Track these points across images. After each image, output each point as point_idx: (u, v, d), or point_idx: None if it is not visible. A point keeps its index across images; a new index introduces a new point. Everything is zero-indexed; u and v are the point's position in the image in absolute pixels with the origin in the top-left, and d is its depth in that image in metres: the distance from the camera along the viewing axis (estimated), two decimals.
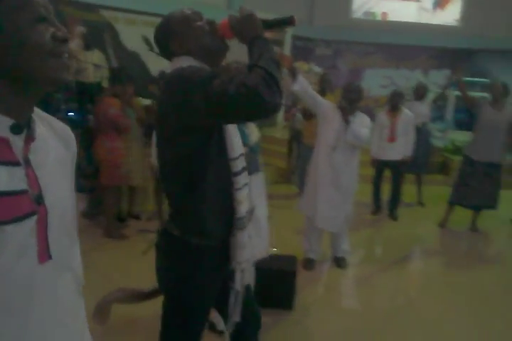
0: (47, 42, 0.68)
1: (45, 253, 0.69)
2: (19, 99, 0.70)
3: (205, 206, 1.32)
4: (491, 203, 4.24)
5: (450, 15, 9.86)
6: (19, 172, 0.67)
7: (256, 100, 1.09)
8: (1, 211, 0.62)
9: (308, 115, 4.29)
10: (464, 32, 9.41)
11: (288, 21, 1.29)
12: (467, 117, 5.37)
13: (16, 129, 0.69)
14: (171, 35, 1.33)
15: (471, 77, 8.52)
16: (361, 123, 3.09)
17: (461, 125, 6.18)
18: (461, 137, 6.07)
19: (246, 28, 1.24)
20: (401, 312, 2.79)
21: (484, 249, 4.20)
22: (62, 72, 0.71)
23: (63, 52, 0.71)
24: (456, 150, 6.16)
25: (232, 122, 1.33)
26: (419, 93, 5.02)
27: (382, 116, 4.52)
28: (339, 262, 3.40)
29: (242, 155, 1.38)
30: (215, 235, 1.36)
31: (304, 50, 9.14)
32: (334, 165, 3.09)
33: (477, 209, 4.36)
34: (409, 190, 5.05)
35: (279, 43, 8.70)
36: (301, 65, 6.00)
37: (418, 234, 4.40)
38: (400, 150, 4.44)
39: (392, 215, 4.67)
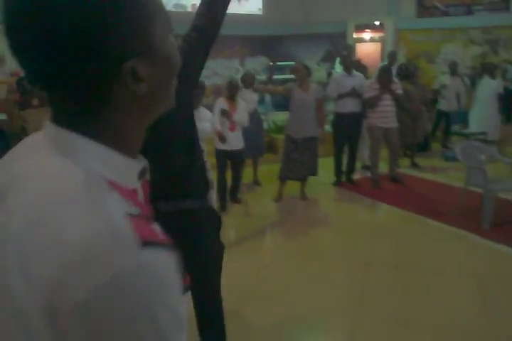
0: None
1: None
2: (143, 134, 0.58)
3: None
4: (313, 171, 4.85)
5: (254, 4, 10.61)
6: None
7: None
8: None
9: None
10: (268, 20, 10.24)
11: None
12: (283, 99, 5.92)
13: (142, 174, 0.57)
14: None
15: (281, 61, 9.41)
16: (204, 118, 3.23)
17: (279, 106, 6.80)
18: (281, 117, 6.70)
19: None
20: (262, 279, 3.05)
21: (313, 214, 4.76)
22: None
23: None
24: (279, 129, 6.76)
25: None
26: (248, 81, 5.31)
27: (222, 104, 4.57)
28: None
29: None
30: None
31: None
32: None
33: (303, 179, 4.93)
34: (246, 171, 5.43)
35: None
36: None
37: (259, 212, 4.76)
38: (241, 138, 4.66)
39: (235, 200, 4.95)
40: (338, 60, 7.13)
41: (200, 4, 1.58)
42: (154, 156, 1.44)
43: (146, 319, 0.44)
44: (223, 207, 4.58)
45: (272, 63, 5.49)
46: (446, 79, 7.09)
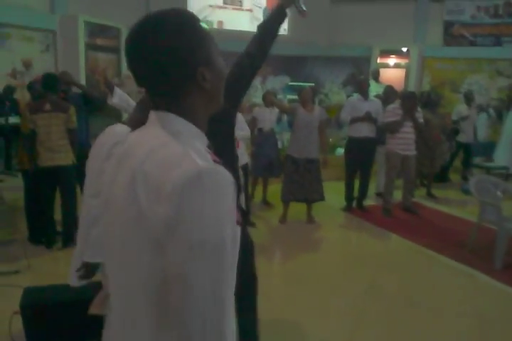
0: None
1: None
2: (207, 118, 0.91)
3: None
4: (318, 196, 4.70)
5: None
6: None
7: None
8: (237, 218, 0.79)
9: None
10: (293, 40, 10.26)
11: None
12: None
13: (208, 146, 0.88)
14: None
15: (304, 81, 9.38)
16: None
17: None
18: None
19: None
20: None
21: (316, 238, 4.58)
22: None
23: None
24: None
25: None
26: (268, 100, 5.27)
27: None
28: None
29: None
30: None
31: None
32: None
33: (307, 202, 4.77)
34: (257, 190, 5.39)
35: (115, 50, 8.43)
36: None
37: (262, 232, 4.62)
38: (244, 153, 4.57)
39: (248, 222, 4.84)
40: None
41: (256, 33, 1.84)
42: None
43: (220, 201, 0.73)
44: None
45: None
46: (464, 109, 6.89)
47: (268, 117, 5.22)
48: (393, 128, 5.02)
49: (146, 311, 0.78)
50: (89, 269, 1.80)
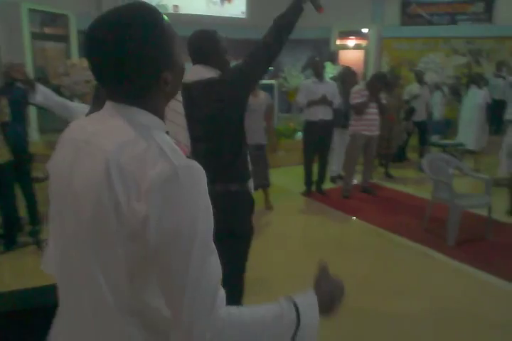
0: None
1: None
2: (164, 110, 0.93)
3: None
4: (267, 182, 4.61)
5: (238, 7, 10.45)
6: None
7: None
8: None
9: None
10: (251, 23, 10.06)
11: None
12: None
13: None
14: (211, 43, 1.99)
15: None
16: None
17: None
18: None
19: None
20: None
21: (276, 223, 4.53)
22: None
23: None
24: None
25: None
26: None
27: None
28: None
29: None
30: None
31: None
32: None
33: (263, 188, 4.67)
34: None
35: (64, 39, 8.05)
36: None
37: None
38: None
39: None
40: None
41: (272, 24, 1.89)
42: (212, 144, 1.96)
43: (196, 194, 0.77)
44: None
45: None
46: (415, 88, 6.94)
47: None
48: (360, 109, 4.99)
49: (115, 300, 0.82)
50: None
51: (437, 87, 7.54)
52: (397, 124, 6.10)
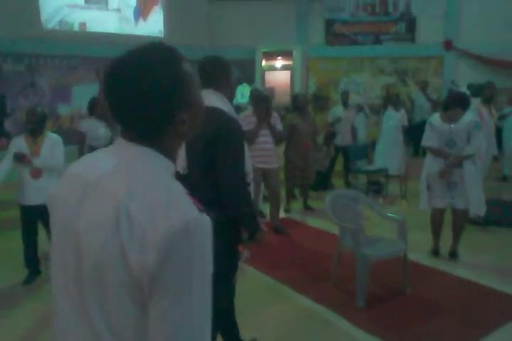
0: None
1: None
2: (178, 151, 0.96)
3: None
4: None
5: (155, 26, 9.71)
6: None
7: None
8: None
9: None
10: (169, 43, 9.31)
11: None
12: None
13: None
14: (224, 71, 2.12)
15: None
16: None
17: None
18: None
19: None
20: None
21: None
22: None
23: None
24: None
25: None
26: None
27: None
28: None
29: None
30: None
31: None
32: None
33: None
34: None
35: None
36: None
37: None
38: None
39: None
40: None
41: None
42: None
43: (202, 248, 0.77)
44: None
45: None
46: (339, 111, 6.42)
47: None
48: (248, 138, 4.23)
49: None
50: None
51: (360, 108, 7.05)
52: (314, 151, 5.43)
